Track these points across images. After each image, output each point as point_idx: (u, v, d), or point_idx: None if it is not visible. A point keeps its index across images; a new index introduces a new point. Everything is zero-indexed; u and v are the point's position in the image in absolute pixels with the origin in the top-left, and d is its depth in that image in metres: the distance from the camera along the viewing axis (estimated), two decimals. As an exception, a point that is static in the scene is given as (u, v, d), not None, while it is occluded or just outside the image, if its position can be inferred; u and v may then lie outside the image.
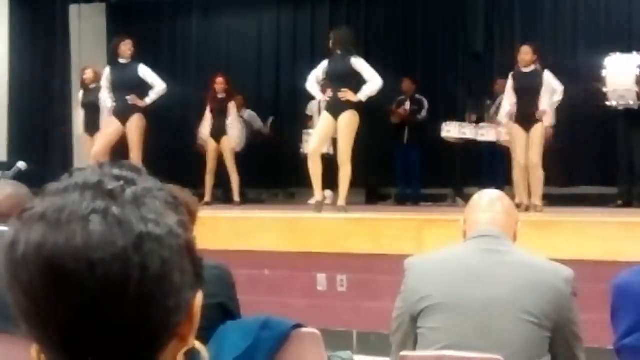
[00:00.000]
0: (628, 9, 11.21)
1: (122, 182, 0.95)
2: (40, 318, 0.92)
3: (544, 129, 8.86)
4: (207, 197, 10.70)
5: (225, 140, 10.92)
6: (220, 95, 11.07)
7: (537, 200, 8.83)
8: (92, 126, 10.35)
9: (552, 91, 8.96)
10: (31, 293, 0.91)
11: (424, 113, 11.58)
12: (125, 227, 0.91)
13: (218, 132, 10.94)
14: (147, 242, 0.92)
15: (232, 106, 11.06)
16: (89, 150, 10.19)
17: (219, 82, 11.10)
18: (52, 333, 0.92)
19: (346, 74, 8.62)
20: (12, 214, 0.98)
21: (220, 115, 11.00)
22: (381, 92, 8.88)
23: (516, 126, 8.99)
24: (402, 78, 11.62)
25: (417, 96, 11.68)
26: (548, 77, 8.97)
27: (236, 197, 10.81)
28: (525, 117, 8.90)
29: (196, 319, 0.99)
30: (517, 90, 9.02)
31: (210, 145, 10.98)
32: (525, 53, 9.02)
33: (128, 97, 9.71)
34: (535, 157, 8.80)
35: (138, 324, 0.92)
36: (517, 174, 8.96)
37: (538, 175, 8.83)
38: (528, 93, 8.91)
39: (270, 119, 12.58)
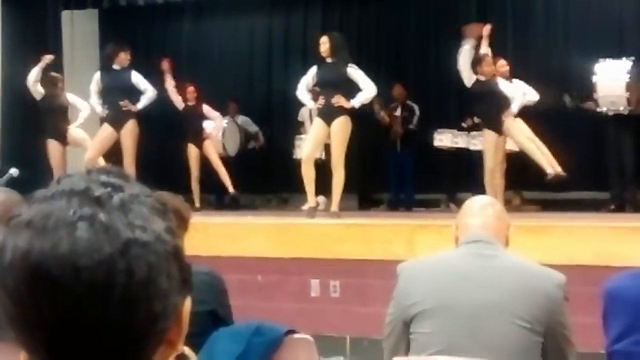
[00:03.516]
0: (619, 13, 11.23)
1: (109, 189, 0.95)
2: (27, 324, 0.92)
3: (513, 123, 8.97)
4: (197, 203, 10.70)
5: (207, 143, 10.95)
6: (191, 103, 11.09)
7: (552, 167, 8.96)
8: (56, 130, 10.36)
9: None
10: (17, 299, 0.92)
11: (415, 121, 11.57)
12: (112, 233, 0.91)
13: (197, 137, 10.97)
14: (134, 248, 0.92)
15: (207, 110, 11.09)
16: (55, 155, 10.22)
17: (190, 91, 11.12)
18: (38, 339, 0.93)
19: (339, 81, 8.65)
20: (2, 221, 0.98)
21: (196, 121, 11.05)
22: (374, 97, 8.90)
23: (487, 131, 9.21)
24: (393, 83, 11.61)
25: (409, 102, 11.67)
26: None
27: (230, 188, 10.80)
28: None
29: (184, 325, 1.00)
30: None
31: (192, 151, 11.00)
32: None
33: (122, 103, 9.71)
34: (523, 144, 8.94)
35: (124, 329, 0.92)
36: (486, 178, 9.03)
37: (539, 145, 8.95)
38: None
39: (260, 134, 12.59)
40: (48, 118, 10.39)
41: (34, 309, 0.91)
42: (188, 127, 11.10)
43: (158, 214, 0.97)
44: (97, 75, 10.01)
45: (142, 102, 9.89)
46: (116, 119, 9.77)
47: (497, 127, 8.97)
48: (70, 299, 0.90)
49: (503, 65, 9.61)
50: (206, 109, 11.13)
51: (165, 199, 1.03)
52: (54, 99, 10.37)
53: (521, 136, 8.97)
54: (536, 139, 9.07)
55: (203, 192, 11.22)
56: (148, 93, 9.91)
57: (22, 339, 0.94)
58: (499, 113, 8.95)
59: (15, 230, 0.93)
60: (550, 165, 8.94)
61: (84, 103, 10.36)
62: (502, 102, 9.02)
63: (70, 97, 10.47)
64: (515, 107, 9.04)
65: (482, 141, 10.34)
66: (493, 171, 8.92)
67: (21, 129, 12.00)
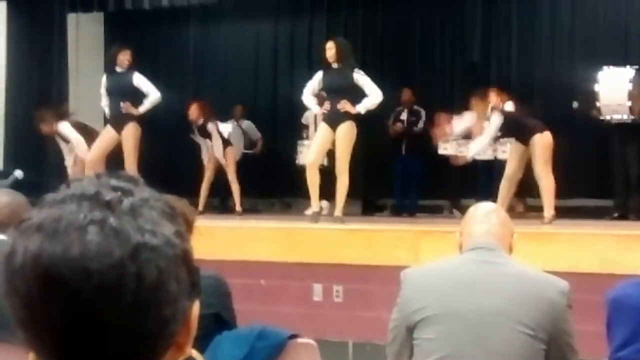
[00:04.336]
0: (625, 22, 11.23)
1: (119, 193, 0.96)
2: (37, 327, 0.93)
3: (541, 139, 8.85)
4: (201, 207, 10.69)
5: (228, 151, 10.94)
6: (200, 122, 11.02)
7: (545, 211, 8.77)
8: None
9: None
10: (28, 302, 0.92)
11: (421, 125, 11.57)
12: (122, 237, 0.92)
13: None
14: (144, 252, 0.92)
15: (211, 127, 10.99)
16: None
17: (194, 109, 11.04)
18: (48, 342, 0.93)
19: (345, 87, 8.64)
20: (9, 223, 0.99)
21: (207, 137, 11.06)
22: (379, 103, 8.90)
23: (512, 140, 9.14)
24: (400, 88, 11.62)
25: (415, 107, 11.67)
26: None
27: (238, 207, 10.82)
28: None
29: (193, 328, 1.00)
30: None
31: (212, 157, 11.02)
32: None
33: (122, 105, 9.69)
34: (537, 166, 8.79)
35: (134, 333, 0.93)
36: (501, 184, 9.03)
37: (542, 186, 8.81)
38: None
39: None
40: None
41: (44, 312, 0.91)
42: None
43: (167, 218, 0.97)
44: (104, 78, 10.04)
45: (145, 106, 9.82)
46: (117, 121, 9.76)
47: (524, 139, 8.93)
48: (80, 303, 0.90)
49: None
50: (210, 127, 11.04)
51: (171, 202, 1.04)
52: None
53: (540, 161, 8.85)
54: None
55: (206, 196, 11.22)
56: (151, 96, 9.85)
57: (32, 341, 0.94)
58: (526, 126, 8.92)
59: (25, 234, 0.94)
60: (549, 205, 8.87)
61: (76, 137, 10.31)
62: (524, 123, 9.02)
63: (65, 129, 10.43)
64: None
65: (486, 150, 10.35)
66: (512, 178, 8.94)
67: (26, 131, 12.02)
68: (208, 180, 11.05)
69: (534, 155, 8.77)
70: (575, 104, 9.66)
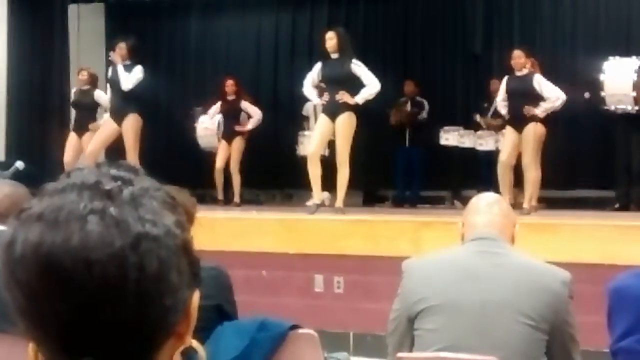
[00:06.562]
0: (627, 12, 11.21)
1: (119, 183, 0.95)
2: (38, 317, 0.93)
3: (535, 130, 8.81)
4: (220, 196, 10.70)
5: (237, 141, 10.94)
6: (230, 97, 11.09)
7: (526, 202, 8.78)
8: (80, 126, 10.38)
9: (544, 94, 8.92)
10: (29, 292, 0.92)
11: (424, 115, 11.56)
12: (123, 227, 0.92)
13: (230, 133, 10.97)
14: (145, 242, 0.92)
15: (246, 105, 11.09)
16: (71, 146, 10.22)
17: (229, 84, 11.11)
18: (49, 332, 0.93)
19: (344, 77, 8.62)
20: (10, 214, 0.98)
21: (230, 117, 11.03)
22: (381, 94, 8.88)
23: (509, 128, 9.07)
24: (403, 80, 11.61)
25: (418, 98, 11.66)
26: (539, 80, 8.96)
27: (237, 198, 10.83)
28: (517, 119, 8.93)
29: (193, 318, 1.00)
30: (509, 93, 9.06)
31: (223, 146, 10.98)
32: (518, 57, 9.04)
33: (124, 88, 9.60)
34: (527, 158, 8.78)
35: (135, 323, 0.93)
36: (499, 171, 8.97)
37: (528, 177, 8.80)
38: (519, 95, 8.92)
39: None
40: (76, 112, 10.54)
41: (45, 302, 0.91)
42: (225, 122, 11.08)
43: (168, 207, 0.97)
44: (110, 71, 10.07)
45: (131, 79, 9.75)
46: (117, 114, 9.74)
47: (519, 126, 8.87)
48: (82, 293, 0.90)
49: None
50: (244, 104, 11.10)
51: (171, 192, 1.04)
52: (84, 96, 10.41)
53: (530, 150, 8.79)
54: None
55: (207, 187, 11.18)
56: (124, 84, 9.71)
57: (33, 332, 0.94)
58: (525, 112, 8.79)
59: (26, 223, 0.93)
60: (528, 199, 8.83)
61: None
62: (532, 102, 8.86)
63: (97, 95, 10.44)
64: (540, 110, 8.84)
65: (488, 141, 10.32)
66: (505, 165, 8.89)
67: (27, 122, 12.03)
68: (220, 171, 10.98)
69: (525, 144, 8.76)
70: (587, 95, 9.61)
